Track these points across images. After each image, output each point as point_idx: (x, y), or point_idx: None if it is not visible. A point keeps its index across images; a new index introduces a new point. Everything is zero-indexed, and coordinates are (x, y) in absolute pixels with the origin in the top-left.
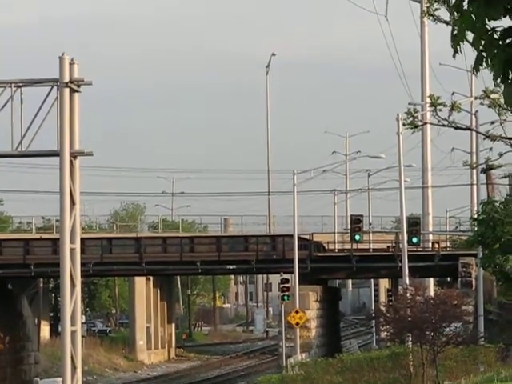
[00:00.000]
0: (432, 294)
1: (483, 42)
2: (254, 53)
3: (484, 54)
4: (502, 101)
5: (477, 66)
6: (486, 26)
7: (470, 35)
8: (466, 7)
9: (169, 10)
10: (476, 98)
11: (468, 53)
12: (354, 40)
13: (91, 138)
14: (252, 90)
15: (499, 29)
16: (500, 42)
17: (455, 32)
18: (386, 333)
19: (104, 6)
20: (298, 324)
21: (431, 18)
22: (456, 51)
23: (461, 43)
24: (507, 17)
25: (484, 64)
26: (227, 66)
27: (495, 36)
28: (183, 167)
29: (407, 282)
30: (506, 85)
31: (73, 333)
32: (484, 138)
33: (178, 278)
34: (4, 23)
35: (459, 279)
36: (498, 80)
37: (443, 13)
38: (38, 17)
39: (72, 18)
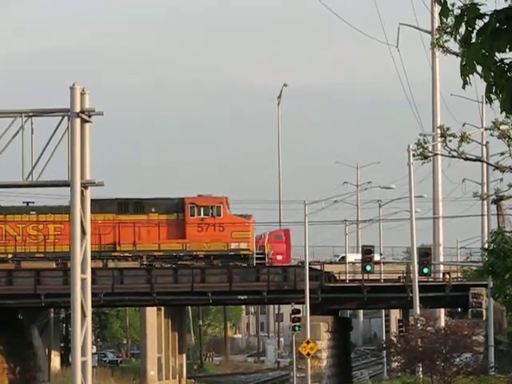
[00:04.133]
0: (443, 324)
1: (492, 74)
2: (264, 83)
3: (493, 85)
4: None
5: (488, 96)
6: (495, 58)
7: (479, 67)
8: (474, 40)
9: (173, 41)
10: (486, 129)
11: (479, 83)
12: (365, 70)
13: (102, 167)
14: (263, 119)
15: (507, 61)
16: (508, 74)
17: (464, 64)
18: (396, 363)
19: (111, 38)
20: (309, 354)
21: (441, 49)
22: (465, 83)
23: (470, 75)
24: None
25: (494, 95)
26: (238, 96)
27: (503, 68)
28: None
29: (418, 312)
30: None
31: (83, 363)
32: (494, 169)
33: (190, 308)
34: (16, 52)
35: (470, 310)
36: (507, 111)
37: (453, 44)
38: (50, 46)
39: (82, 47)
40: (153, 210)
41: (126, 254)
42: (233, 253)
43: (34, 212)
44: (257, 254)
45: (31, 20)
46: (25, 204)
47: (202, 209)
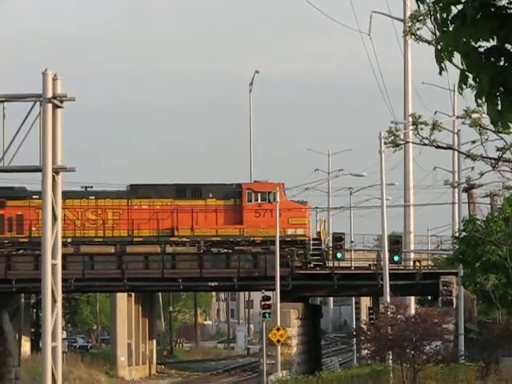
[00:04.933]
0: (413, 312)
1: (467, 61)
2: (236, 70)
3: (468, 73)
4: (483, 120)
5: (461, 85)
6: (472, 45)
7: (456, 54)
8: (451, 27)
9: (145, 27)
10: (458, 117)
11: (451, 72)
12: (338, 58)
13: (73, 153)
14: (235, 106)
15: (482, 49)
16: (485, 61)
17: (439, 49)
18: (366, 351)
19: (82, 23)
20: (279, 341)
21: (413, 37)
22: (441, 69)
23: (445, 61)
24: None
25: (468, 83)
26: (210, 83)
27: (480, 55)
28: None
29: (388, 300)
30: (490, 103)
31: (54, 348)
32: (465, 158)
33: (160, 294)
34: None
35: (440, 298)
36: (483, 99)
37: (425, 32)
38: (14, 31)
39: (54, 33)
40: (210, 196)
41: (184, 239)
42: (289, 238)
43: (92, 197)
44: (313, 239)
45: (20, 7)
46: (83, 189)
47: (259, 194)
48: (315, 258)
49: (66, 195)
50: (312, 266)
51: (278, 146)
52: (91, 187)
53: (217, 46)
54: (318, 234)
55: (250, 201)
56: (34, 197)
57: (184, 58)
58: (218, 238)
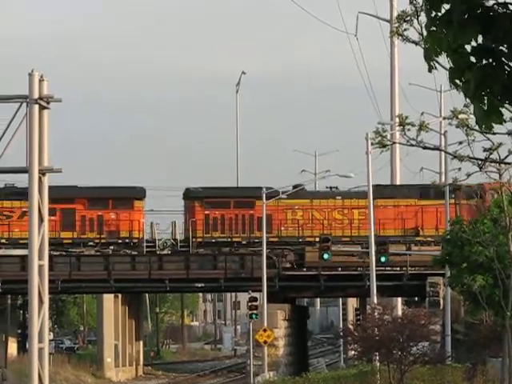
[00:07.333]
0: (400, 313)
1: (453, 61)
2: (221, 70)
3: (456, 72)
4: (470, 121)
5: (453, 81)
6: (458, 44)
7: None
8: (437, 29)
9: (135, 26)
10: (444, 118)
11: (437, 72)
12: (325, 59)
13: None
14: (221, 107)
15: (469, 48)
16: (472, 61)
17: (427, 47)
18: (353, 352)
19: (61, 23)
20: (265, 342)
21: (400, 37)
22: (430, 66)
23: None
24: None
25: (458, 81)
26: (196, 83)
27: (467, 55)
28: (153, 185)
29: (375, 301)
30: (476, 104)
31: (40, 350)
32: (452, 158)
33: (147, 295)
34: None
35: (427, 299)
36: (469, 99)
37: (412, 33)
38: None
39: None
40: (452, 196)
41: (429, 239)
42: None
43: (339, 197)
44: None
45: None
46: (328, 189)
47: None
48: None
49: (314, 195)
50: None
51: (264, 147)
52: (336, 187)
53: (202, 46)
54: None
55: None
56: (282, 197)
57: (173, 57)
58: None
